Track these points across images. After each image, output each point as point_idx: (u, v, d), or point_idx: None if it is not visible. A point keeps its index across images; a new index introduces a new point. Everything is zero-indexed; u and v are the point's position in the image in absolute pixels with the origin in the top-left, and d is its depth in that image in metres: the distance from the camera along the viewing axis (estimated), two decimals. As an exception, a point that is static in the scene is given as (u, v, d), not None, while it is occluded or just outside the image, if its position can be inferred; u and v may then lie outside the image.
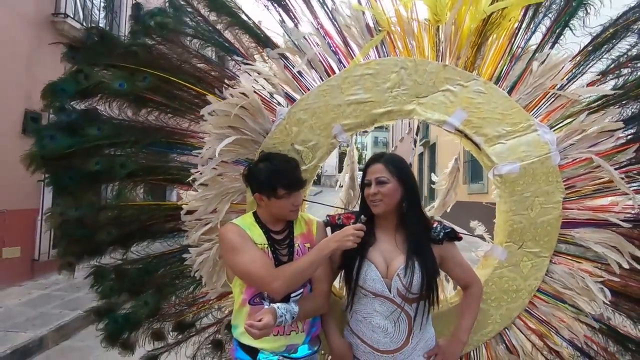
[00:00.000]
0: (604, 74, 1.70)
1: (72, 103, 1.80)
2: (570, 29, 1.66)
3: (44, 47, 4.78)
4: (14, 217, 4.82)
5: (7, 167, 4.41)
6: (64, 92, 1.75)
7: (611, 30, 1.65)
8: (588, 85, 1.70)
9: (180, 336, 1.98)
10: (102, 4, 6.15)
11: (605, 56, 1.68)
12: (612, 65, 1.70)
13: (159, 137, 1.83)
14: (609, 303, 1.67)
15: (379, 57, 1.76)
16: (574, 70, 1.69)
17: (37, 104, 1.85)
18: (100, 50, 1.77)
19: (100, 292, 1.86)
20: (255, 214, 1.56)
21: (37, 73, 4.88)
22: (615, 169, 1.62)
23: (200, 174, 1.73)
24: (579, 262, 1.73)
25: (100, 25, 6.01)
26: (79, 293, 4.56)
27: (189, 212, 1.79)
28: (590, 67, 1.70)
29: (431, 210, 2.20)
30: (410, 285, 1.43)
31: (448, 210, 1.98)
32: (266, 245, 1.48)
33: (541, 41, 1.69)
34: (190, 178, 1.76)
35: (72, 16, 5.46)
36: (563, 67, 1.64)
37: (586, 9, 1.64)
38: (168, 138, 1.85)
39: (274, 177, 1.45)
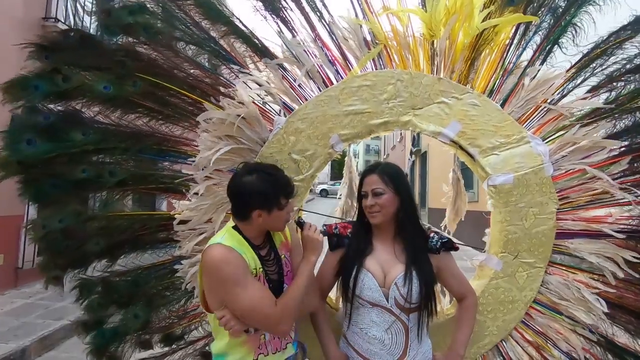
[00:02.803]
0: (596, 88, 1.73)
1: (45, 104, 1.65)
2: (560, 47, 1.73)
3: (33, 52, 4.74)
4: (-3, 223, 4.51)
5: (-10, 173, 4.29)
6: (36, 89, 1.59)
7: (602, 47, 1.69)
8: (581, 99, 1.75)
9: (167, 348, 1.89)
10: (93, 9, 6.05)
11: (597, 71, 1.72)
12: (605, 79, 1.72)
13: (149, 144, 1.75)
14: (605, 315, 1.66)
15: (376, 69, 1.79)
16: (565, 85, 1.74)
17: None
18: (80, 53, 1.63)
19: (87, 306, 1.76)
20: (238, 230, 1.36)
21: (26, 77, 4.80)
22: None
23: (195, 182, 1.71)
24: (574, 273, 1.74)
25: (92, 30, 6.03)
26: (64, 302, 4.36)
27: (182, 222, 1.76)
28: (583, 81, 1.74)
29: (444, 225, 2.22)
30: (410, 295, 1.41)
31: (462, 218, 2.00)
32: (261, 270, 1.35)
33: (532, 57, 1.75)
34: (180, 180, 1.69)
35: (62, 20, 5.41)
36: (554, 82, 1.70)
37: (575, 29, 1.70)
38: (160, 145, 1.78)
39: (278, 187, 1.34)
